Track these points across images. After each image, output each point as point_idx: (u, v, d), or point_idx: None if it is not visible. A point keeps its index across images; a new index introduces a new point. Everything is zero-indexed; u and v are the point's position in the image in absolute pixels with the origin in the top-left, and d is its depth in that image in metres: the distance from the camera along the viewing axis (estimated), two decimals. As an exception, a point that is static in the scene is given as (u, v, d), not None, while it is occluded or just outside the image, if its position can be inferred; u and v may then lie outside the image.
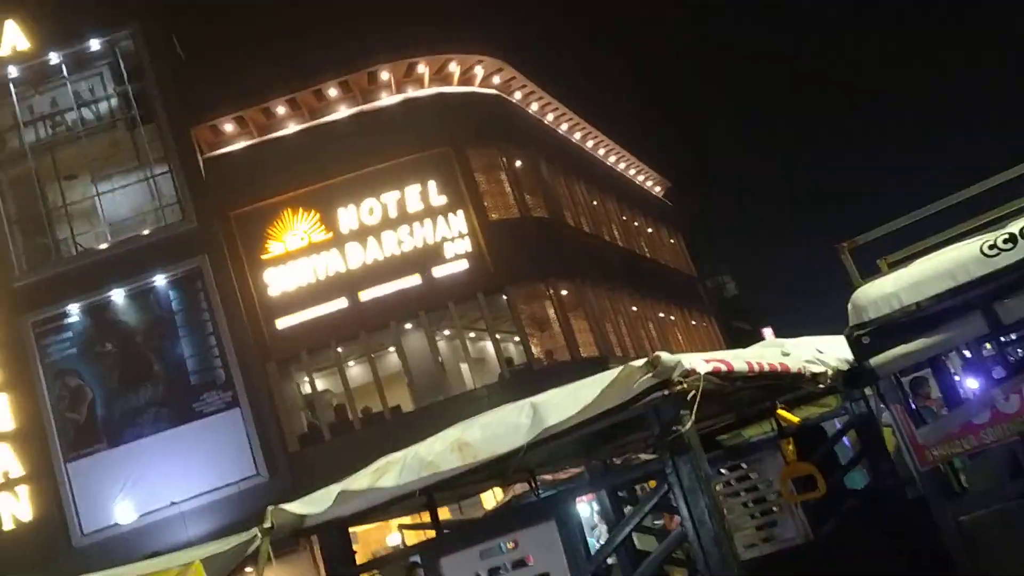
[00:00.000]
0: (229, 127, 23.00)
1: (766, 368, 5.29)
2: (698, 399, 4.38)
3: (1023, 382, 5.64)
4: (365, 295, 21.73)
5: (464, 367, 22.73)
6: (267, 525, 5.29)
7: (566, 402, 4.72)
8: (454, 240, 22.03)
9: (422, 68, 23.29)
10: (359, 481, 5.27)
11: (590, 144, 32.26)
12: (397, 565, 7.28)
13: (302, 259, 21.85)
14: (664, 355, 4.48)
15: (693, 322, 35.92)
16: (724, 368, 4.75)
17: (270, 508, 5.39)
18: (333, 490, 5.31)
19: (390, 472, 5.15)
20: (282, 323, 21.75)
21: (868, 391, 6.60)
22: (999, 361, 7.15)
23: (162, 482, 20.70)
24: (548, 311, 23.48)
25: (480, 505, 15.22)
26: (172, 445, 21.04)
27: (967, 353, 7.67)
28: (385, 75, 22.99)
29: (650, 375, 4.45)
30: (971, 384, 7.27)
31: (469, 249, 22.06)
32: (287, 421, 21.58)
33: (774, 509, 7.19)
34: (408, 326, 22.25)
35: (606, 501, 7.77)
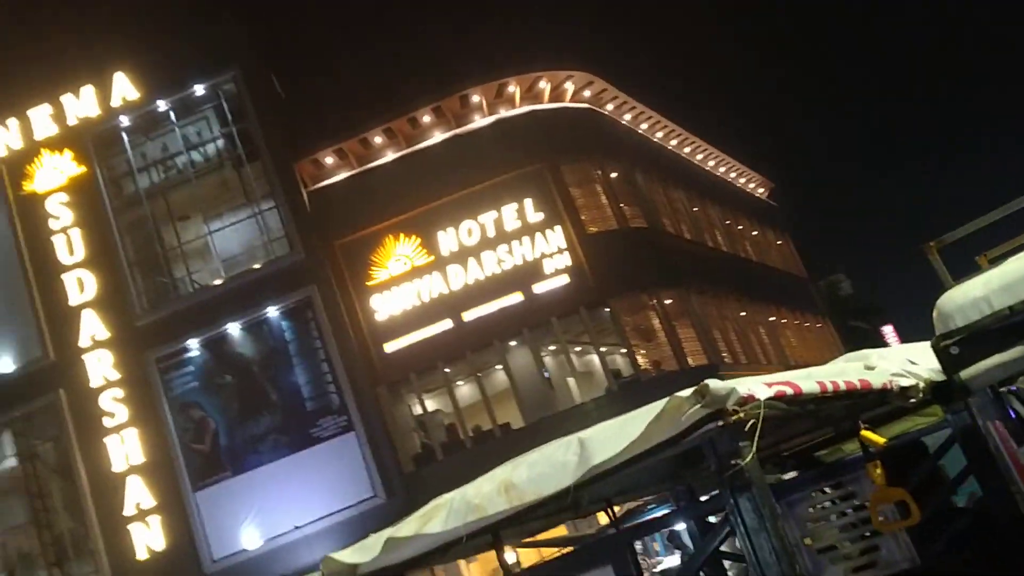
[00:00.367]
0: (330, 159, 23.65)
1: (842, 388, 4.88)
2: (759, 428, 4.00)
3: None
4: (468, 315, 21.98)
5: (571, 381, 22.72)
6: None
7: (614, 437, 4.43)
8: (553, 256, 22.08)
9: (512, 88, 23.49)
10: (406, 527, 5.09)
11: (687, 150, 31.89)
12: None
13: (405, 283, 22.25)
14: (714, 383, 4.12)
15: (806, 324, 34.97)
16: (790, 392, 4.36)
17: (323, 557, 5.30)
18: (384, 535, 5.14)
19: (436, 517, 4.94)
20: (390, 347, 22.18)
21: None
22: None
23: (285, 507, 21.32)
24: (653, 321, 23.25)
25: (595, 520, 15.14)
26: (292, 470, 21.65)
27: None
28: (476, 98, 23.27)
29: (699, 406, 4.10)
30: None
31: (569, 264, 22.07)
32: (400, 442, 21.96)
33: (875, 532, 6.72)
34: (512, 344, 22.39)
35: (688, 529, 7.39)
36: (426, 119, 23.39)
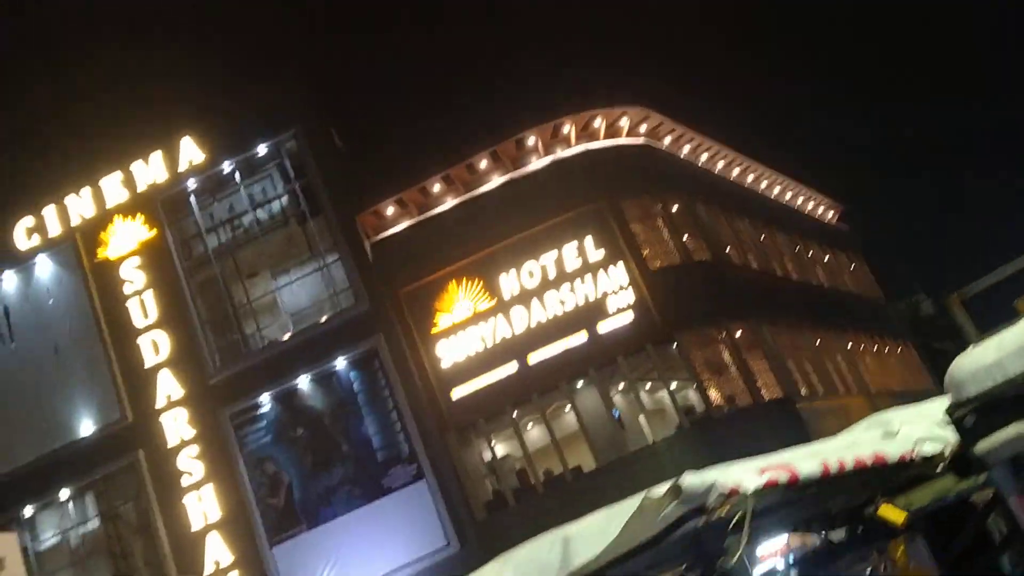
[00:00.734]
0: (391, 210, 23.88)
1: (849, 467, 4.52)
2: (748, 522, 3.71)
3: None
4: (534, 357, 21.81)
5: (642, 420, 22.32)
6: None
7: (598, 535, 4.23)
8: (616, 293, 21.82)
9: (567, 128, 23.46)
10: None
11: (750, 179, 31.41)
12: None
13: (470, 328, 22.22)
14: (689, 479, 3.79)
15: (886, 349, 33.92)
16: (784, 478, 4.04)
17: None
18: None
19: None
20: (457, 393, 22.12)
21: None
22: None
23: (360, 559, 21.34)
24: (723, 355, 22.76)
25: None
26: (366, 522, 21.68)
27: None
28: (532, 140, 23.30)
29: (676, 503, 3.85)
30: None
31: (632, 301, 21.79)
32: (471, 489, 21.80)
33: None
34: (579, 384, 22.14)
35: None
36: (483, 164, 23.48)
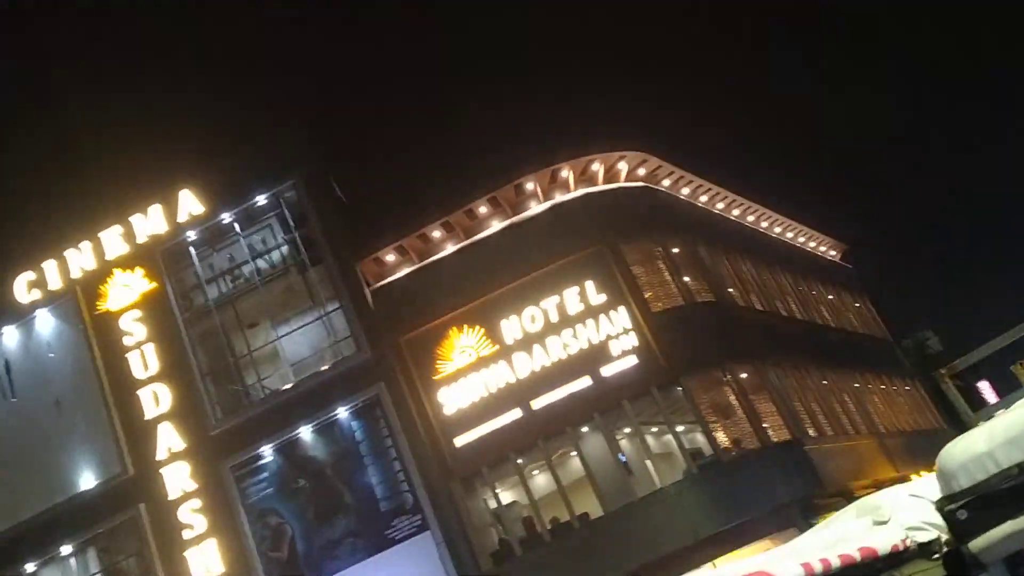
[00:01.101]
0: (391, 257, 23.82)
1: (835, 565, 4.24)
2: None
3: None
4: (537, 403, 21.60)
5: (649, 465, 22.01)
6: None
7: None
8: (619, 337, 21.65)
9: (566, 173, 23.46)
10: None
11: (751, 219, 31.36)
12: None
13: (472, 375, 22.03)
14: None
15: (894, 388, 33.60)
16: None
17: None
18: None
19: None
20: (460, 440, 21.86)
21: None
22: None
23: (366, 613, 20.96)
24: (729, 397, 22.51)
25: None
26: (370, 574, 21.32)
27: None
28: (531, 185, 23.29)
29: None
30: None
31: (636, 344, 21.61)
32: (477, 539, 21.46)
33: None
34: (584, 429, 21.90)
35: None
36: (482, 210, 23.46)
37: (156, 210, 24.64)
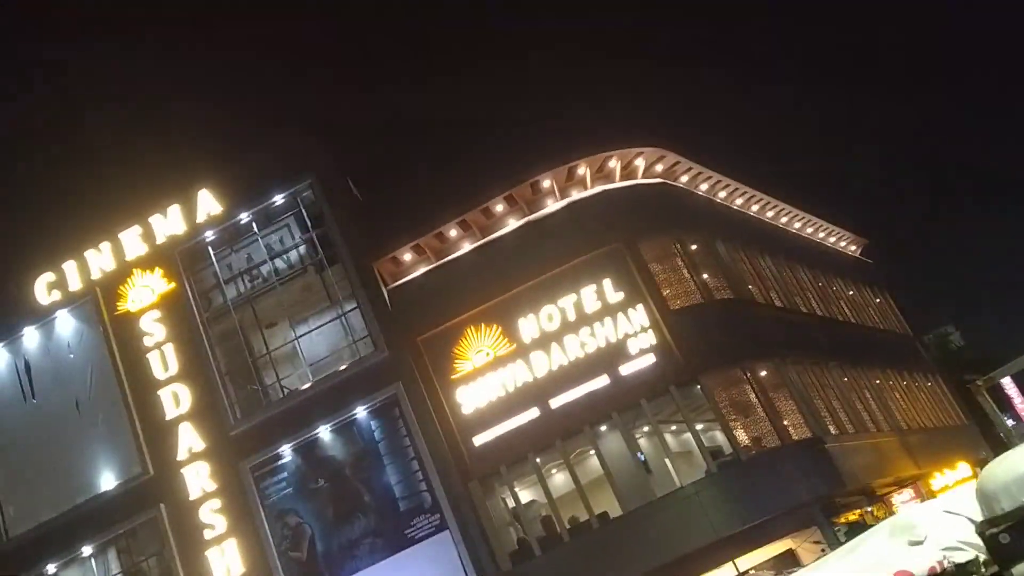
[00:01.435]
0: (408, 256, 23.77)
1: None
2: None
3: None
4: (555, 402, 21.50)
5: (668, 464, 21.88)
6: None
7: None
8: (637, 335, 21.52)
9: (582, 170, 23.34)
10: None
11: (770, 214, 31.13)
12: None
13: (489, 374, 21.96)
14: None
15: (915, 384, 33.27)
16: None
17: None
18: None
19: None
20: (478, 440, 21.80)
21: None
22: None
23: (386, 612, 20.97)
24: (749, 395, 22.32)
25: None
26: (389, 574, 21.32)
27: None
28: (547, 183, 23.18)
29: None
30: None
31: (654, 342, 21.47)
32: (496, 539, 21.39)
33: None
34: (602, 428, 21.79)
35: None
36: (499, 208, 23.37)
37: (175, 210, 24.74)
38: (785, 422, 21.86)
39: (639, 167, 24.26)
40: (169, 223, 24.77)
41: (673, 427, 23.13)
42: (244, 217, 24.37)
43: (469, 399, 22.01)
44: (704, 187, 27.06)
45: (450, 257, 23.47)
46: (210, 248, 24.54)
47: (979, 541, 4.57)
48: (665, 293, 22.29)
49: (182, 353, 23.86)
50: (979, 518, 4.60)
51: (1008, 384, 44.78)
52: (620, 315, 21.70)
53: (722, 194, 28.11)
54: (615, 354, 21.49)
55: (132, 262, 24.77)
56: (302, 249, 24.58)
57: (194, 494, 22.72)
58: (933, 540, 4.57)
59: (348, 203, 24.70)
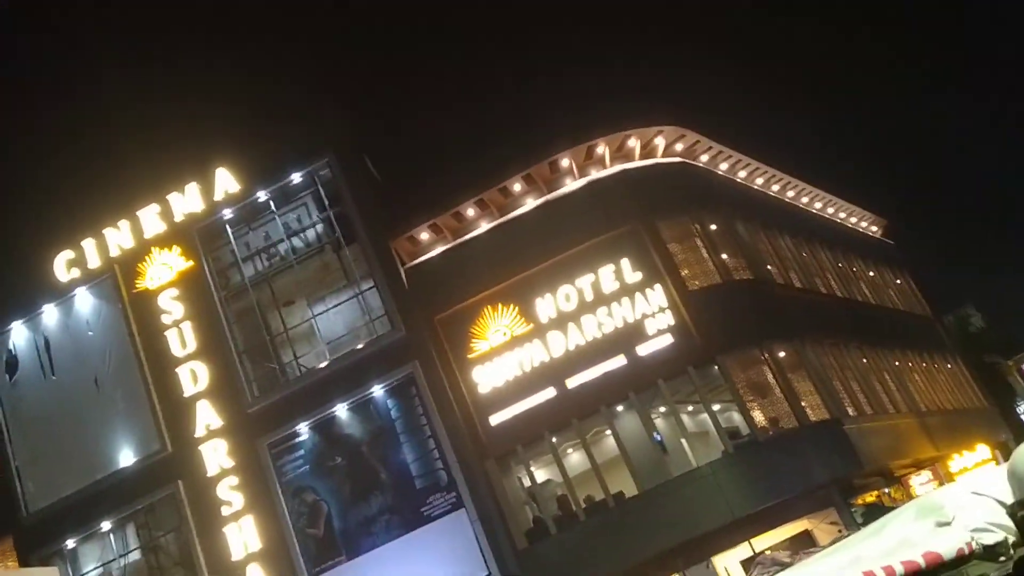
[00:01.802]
0: (425, 235, 23.72)
1: (899, 573, 4.06)
2: None
3: None
4: (572, 382, 21.47)
5: (685, 444, 21.82)
6: None
7: None
8: (655, 315, 21.43)
9: (601, 149, 23.17)
10: None
11: (790, 194, 30.86)
12: None
13: (506, 354, 21.94)
14: None
15: (935, 365, 33.03)
16: None
17: None
18: None
19: None
20: (495, 419, 21.81)
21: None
22: None
23: (401, 589, 21.06)
24: (767, 376, 22.20)
25: None
26: (406, 551, 21.40)
27: None
28: (566, 162, 23.03)
29: None
30: None
31: (672, 323, 21.37)
32: (512, 517, 21.44)
33: None
34: (619, 408, 21.74)
35: None
36: (517, 187, 23.25)
37: (193, 188, 24.76)
38: (803, 403, 21.75)
39: (659, 146, 24.06)
40: (187, 201, 24.80)
41: (690, 408, 23.05)
42: (262, 195, 24.35)
43: (486, 378, 22.00)
44: (724, 166, 26.84)
45: (467, 236, 23.40)
46: (228, 226, 24.56)
47: (1008, 522, 4.46)
48: (683, 273, 22.16)
49: (200, 331, 23.94)
50: (1009, 500, 4.50)
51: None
52: (638, 295, 21.59)
53: (742, 173, 27.87)
54: (632, 334, 21.40)
55: (150, 240, 24.83)
56: (319, 228, 24.56)
57: (212, 471, 22.86)
58: (961, 522, 4.47)
59: (366, 182, 24.64)
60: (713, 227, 23.78)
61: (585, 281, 21.83)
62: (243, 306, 24.40)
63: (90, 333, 24.97)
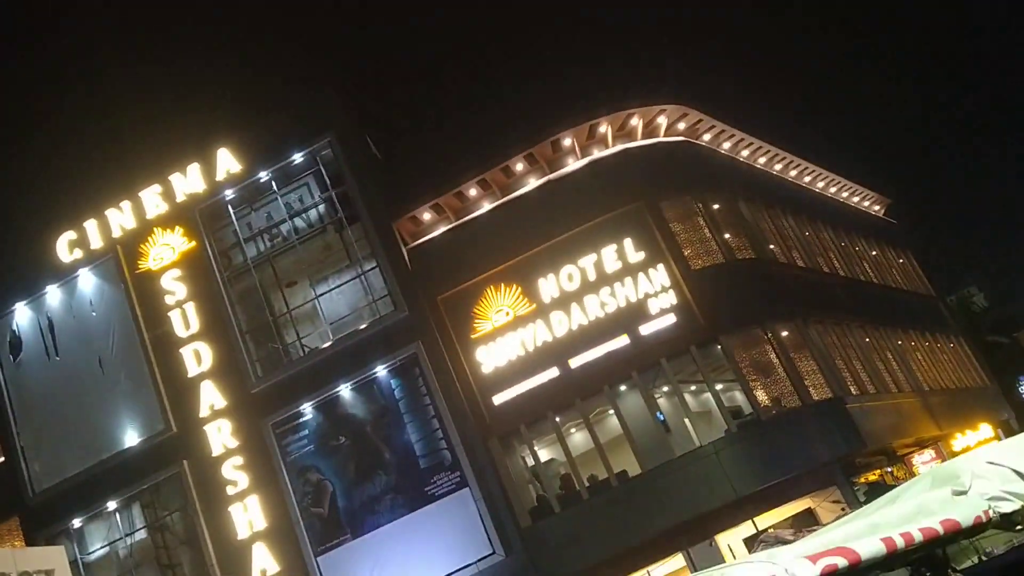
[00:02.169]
0: (427, 215, 23.70)
1: (918, 540, 4.09)
2: None
3: None
4: (575, 362, 21.50)
5: (687, 423, 21.88)
6: None
7: None
8: (658, 295, 21.43)
9: (604, 128, 23.10)
10: None
11: (793, 173, 30.79)
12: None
13: (509, 334, 21.96)
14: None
15: (938, 345, 33.06)
16: (843, 563, 3.70)
17: None
18: None
19: None
20: (498, 399, 21.86)
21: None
22: None
23: (406, 568, 21.22)
24: (769, 355, 22.23)
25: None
26: (410, 530, 21.49)
27: None
28: (568, 141, 22.97)
29: None
30: None
31: (675, 302, 21.38)
32: (515, 496, 21.52)
33: None
34: (622, 388, 21.78)
35: None
36: (519, 167, 23.20)
37: (194, 169, 24.70)
38: (806, 382, 21.79)
39: (661, 125, 23.99)
40: (189, 182, 24.75)
41: (693, 387, 23.11)
42: (263, 176, 24.29)
43: (489, 358, 22.04)
44: (727, 145, 26.77)
45: (470, 216, 23.38)
46: (230, 207, 24.52)
47: (1022, 491, 4.47)
48: (686, 253, 22.15)
49: (203, 311, 23.96)
50: None
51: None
52: (640, 275, 21.59)
53: (745, 152, 27.80)
54: (635, 314, 21.41)
55: (152, 220, 24.79)
56: (321, 208, 24.50)
57: (216, 451, 22.93)
58: (977, 490, 4.48)
59: (368, 162, 24.56)
60: (716, 206, 23.73)
61: (588, 261, 21.82)
62: (246, 287, 24.40)
63: (93, 314, 24.99)
